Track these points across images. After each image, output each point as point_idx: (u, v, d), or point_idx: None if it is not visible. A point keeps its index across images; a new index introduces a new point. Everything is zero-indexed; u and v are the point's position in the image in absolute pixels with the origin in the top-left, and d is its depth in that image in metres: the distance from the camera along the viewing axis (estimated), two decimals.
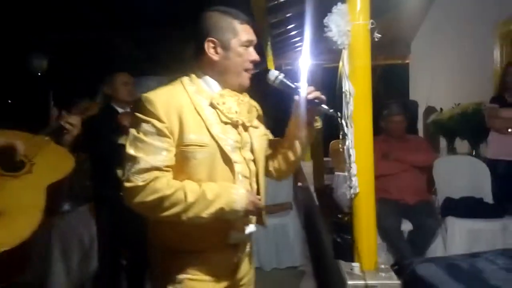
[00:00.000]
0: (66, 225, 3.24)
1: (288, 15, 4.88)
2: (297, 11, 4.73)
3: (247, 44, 1.50)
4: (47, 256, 3.12)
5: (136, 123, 1.41)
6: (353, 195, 1.75)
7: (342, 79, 1.95)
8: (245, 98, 1.57)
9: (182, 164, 1.42)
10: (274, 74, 1.56)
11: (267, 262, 3.79)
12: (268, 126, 1.70)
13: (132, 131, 1.41)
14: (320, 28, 1.97)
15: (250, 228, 1.53)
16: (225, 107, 1.49)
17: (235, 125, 1.51)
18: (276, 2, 3.74)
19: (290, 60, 8.19)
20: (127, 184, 1.37)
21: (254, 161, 1.56)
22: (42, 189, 1.84)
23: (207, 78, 1.52)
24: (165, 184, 1.37)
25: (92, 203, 3.37)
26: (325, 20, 1.94)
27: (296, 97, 1.54)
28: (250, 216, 1.52)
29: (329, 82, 2.39)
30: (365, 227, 1.85)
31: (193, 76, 1.52)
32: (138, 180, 1.36)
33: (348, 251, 1.94)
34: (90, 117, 2.38)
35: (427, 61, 6.77)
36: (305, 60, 4.90)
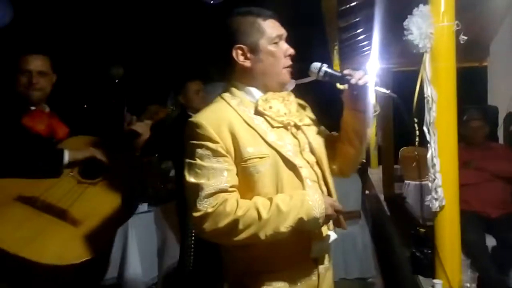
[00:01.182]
0: (142, 225, 3.37)
1: (357, 19, 4.77)
2: (366, 15, 4.62)
3: (277, 40, 1.39)
4: (123, 254, 3.26)
5: (190, 151, 1.34)
6: (438, 208, 1.65)
7: (423, 83, 1.86)
8: (290, 97, 1.46)
9: (246, 181, 1.34)
10: (316, 66, 1.43)
11: (335, 271, 3.70)
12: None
13: (188, 159, 1.34)
14: (390, 32, 1.89)
15: (332, 235, 1.43)
16: (272, 111, 1.40)
17: (286, 128, 1.41)
18: (347, 6, 3.66)
19: (357, 65, 8.01)
20: (195, 214, 1.28)
21: (317, 163, 1.45)
22: (118, 196, 1.86)
23: (246, 87, 1.42)
24: (235, 206, 1.29)
25: (166, 205, 3.48)
26: (405, 23, 1.85)
27: (345, 86, 1.41)
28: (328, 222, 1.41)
29: (401, 87, 2.29)
30: (449, 242, 1.73)
31: (233, 89, 1.43)
32: (207, 207, 1.28)
33: (428, 266, 1.83)
34: (160, 122, 2.45)
35: (507, 64, 6.32)
36: (373, 64, 4.77)
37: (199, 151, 1.32)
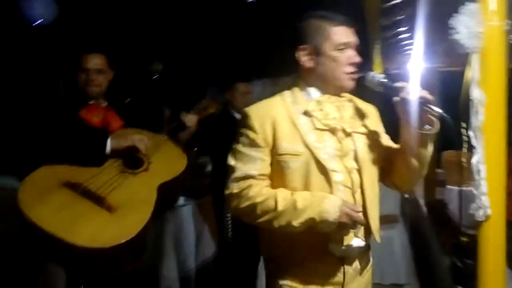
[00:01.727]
0: (179, 219, 3.43)
1: (400, 17, 4.64)
2: (409, 13, 4.48)
3: (342, 47, 1.43)
4: (160, 247, 3.33)
5: (237, 136, 1.50)
6: (484, 217, 1.56)
7: (469, 85, 1.76)
8: (348, 102, 1.50)
9: (278, 173, 1.45)
10: (371, 74, 1.45)
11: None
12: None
13: (234, 143, 1.50)
14: (434, 30, 1.82)
15: (355, 241, 1.43)
16: (321, 113, 1.45)
17: (333, 131, 1.44)
18: (389, 3, 3.56)
19: (399, 64, 7.81)
20: (225, 191, 1.46)
21: (359, 170, 1.46)
22: (155, 187, 1.95)
23: (305, 85, 1.49)
24: (258, 192, 1.41)
25: (203, 199, 3.54)
26: (451, 21, 1.76)
27: (397, 99, 1.40)
28: (351, 229, 1.42)
29: (446, 87, 2.20)
30: (493, 253, 1.63)
31: (294, 87, 1.51)
32: (234, 188, 1.44)
33: (470, 277, 1.74)
34: (208, 117, 2.52)
35: None
36: (416, 63, 4.63)
37: (241, 138, 1.48)
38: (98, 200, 1.82)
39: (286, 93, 1.52)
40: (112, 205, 1.80)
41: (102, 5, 4.45)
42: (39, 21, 4.09)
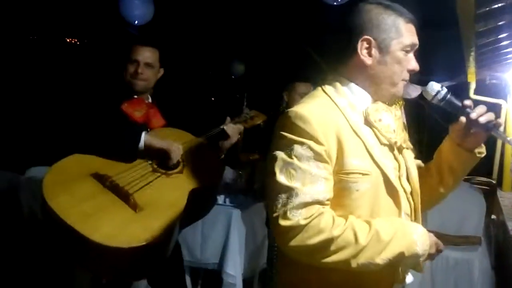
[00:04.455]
0: (244, 220, 3.47)
1: (500, 23, 4.28)
2: (509, 19, 4.11)
3: (408, 49, 1.24)
4: (225, 245, 3.39)
5: (286, 145, 1.17)
6: None
7: None
8: (398, 112, 1.31)
9: (340, 197, 1.19)
10: (435, 88, 1.27)
11: None
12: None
13: (281, 154, 1.17)
14: None
15: (409, 278, 1.28)
16: (382, 125, 1.24)
17: (391, 147, 1.26)
18: (487, 8, 3.28)
19: (496, 73, 7.21)
20: (284, 223, 1.12)
21: (411, 192, 1.29)
22: (186, 192, 1.84)
23: (353, 86, 1.25)
24: (331, 223, 1.13)
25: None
26: None
27: (462, 119, 1.24)
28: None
29: None
30: None
31: (337, 84, 1.26)
32: (299, 218, 1.11)
33: None
34: (254, 127, 2.41)
35: None
36: None
37: (299, 149, 1.15)
38: (124, 196, 1.74)
39: (331, 92, 1.25)
40: (139, 203, 1.71)
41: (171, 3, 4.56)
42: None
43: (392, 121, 1.27)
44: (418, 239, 1.16)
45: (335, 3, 3.73)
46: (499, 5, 3.31)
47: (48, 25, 5.40)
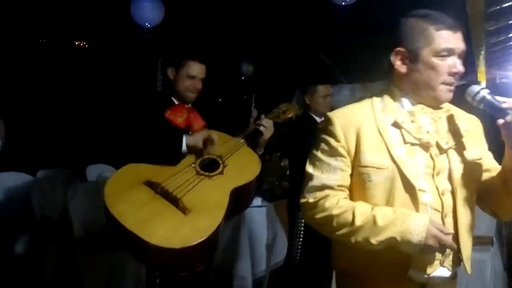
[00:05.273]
0: (255, 219, 3.47)
1: (510, 21, 4.25)
2: None
3: (444, 54, 1.28)
4: (235, 246, 3.40)
5: (317, 142, 1.43)
6: None
7: None
8: (445, 114, 1.34)
9: (358, 186, 1.37)
10: (474, 90, 1.27)
11: None
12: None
13: (312, 149, 1.43)
14: None
15: (439, 271, 1.29)
16: (413, 126, 1.32)
17: (425, 147, 1.31)
18: (497, 7, 3.27)
19: (506, 72, 7.15)
20: (301, 200, 1.41)
21: (452, 192, 1.31)
22: (228, 192, 1.95)
23: (397, 92, 1.37)
24: (334, 204, 1.34)
25: (278, 202, 3.54)
26: None
27: (501, 121, 1.23)
28: (438, 255, 1.29)
29: None
30: None
31: (386, 94, 1.40)
32: (310, 197, 1.38)
33: None
34: (287, 121, 2.49)
35: None
36: None
37: (322, 145, 1.40)
38: (174, 201, 1.86)
39: (376, 100, 1.41)
40: (187, 206, 1.83)
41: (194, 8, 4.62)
42: (146, 24, 4.35)
43: (429, 123, 1.33)
44: (414, 228, 1.22)
45: (343, 3, 3.74)
46: (510, 4, 3.30)
47: (57, 28, 5.44)
